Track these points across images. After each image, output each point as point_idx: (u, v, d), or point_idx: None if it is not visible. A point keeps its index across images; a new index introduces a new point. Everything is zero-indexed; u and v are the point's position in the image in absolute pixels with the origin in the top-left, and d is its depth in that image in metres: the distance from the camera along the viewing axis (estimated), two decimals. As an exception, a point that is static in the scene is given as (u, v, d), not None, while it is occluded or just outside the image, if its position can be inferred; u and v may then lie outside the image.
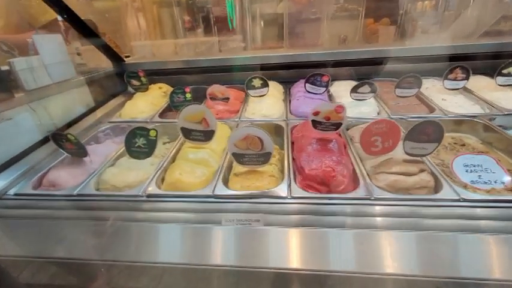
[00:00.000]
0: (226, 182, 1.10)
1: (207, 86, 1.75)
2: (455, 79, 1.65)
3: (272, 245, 0.82)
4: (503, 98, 1.54)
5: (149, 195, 1.03)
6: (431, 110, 1.54)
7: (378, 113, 1.56)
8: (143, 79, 1.93)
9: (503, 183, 0.98)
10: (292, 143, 1.33)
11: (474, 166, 1.06)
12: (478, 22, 2.03)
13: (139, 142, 1.19)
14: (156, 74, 2.15)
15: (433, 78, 1.91)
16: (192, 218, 0.94)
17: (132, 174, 1.17)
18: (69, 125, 1.64)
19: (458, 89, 1.67)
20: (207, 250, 0.82)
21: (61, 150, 1.26)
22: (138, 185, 1.09)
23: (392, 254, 0.76)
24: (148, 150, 1.19)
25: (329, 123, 1.15)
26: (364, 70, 2.02)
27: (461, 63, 1.64)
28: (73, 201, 1.06)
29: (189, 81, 2.18)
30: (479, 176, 1.02)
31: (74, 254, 0.88)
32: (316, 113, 1.13)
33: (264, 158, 1.07)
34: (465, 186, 0.98)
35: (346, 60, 2.00)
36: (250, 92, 1.74)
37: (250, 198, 0.98)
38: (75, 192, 1.07)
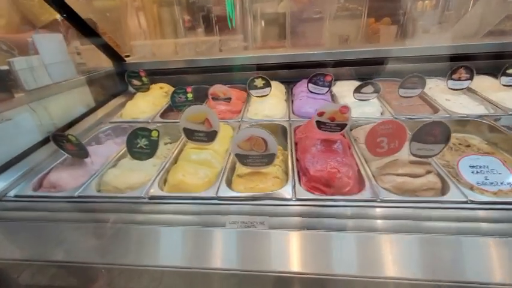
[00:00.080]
0: (229, 184, 1.09)
1: (208, 85, 1.74)
2: (459, 79, 1.64)
3: (278, 248, 0.80)
4: (507, 98, 1.53)
5: (152, 197, 1.02)
6: (436, 110, 1.52)
7: (381, 113, 1.55)
8: (144, 79, 1.92)
9: (510, 184, 0.96)
10: (296, 143, 1.31)
11: (480, 167, 1.05)
12: (481, 22, 2.01)
13: (141, 143, 1.18)
14: (156, 74, 2.14)
15: (436, 78, 1.90)
16: (195, 220, 0.92)
17: (134, 176, 1.15)
18: (70, 125, 1.63)
19: (462, 89, 1.65)
20: (212, 253, 0.80)
21: (62, 151, 1.24)
22: (140, 187, 1.08)
23: (401, 257, 0.75)
24: (150, 151, 1.18)
25: (333, 124, 1.14)
26: (367, 70, 2.00)
27: (465, 63, 1.63)
28: (74, 203, 1.05)
29: (190, 81, 2.17)
30: (486, 177, 1.01)
31: (75, 257, 0.86)
32: (320, 114, 1.12)
33: (268, 159, 1.05)
34: (471, 188, 0.97)
35: (349, 60, 1.99)
36: (253, 92, 1.72)
37: (255, 200, 0.97)
38: (76, 194, 1.06)
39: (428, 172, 1.01)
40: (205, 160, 1.21)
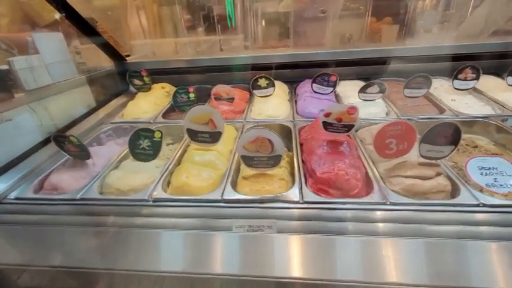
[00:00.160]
0: (234, 186, 1.06)
1: (210, 85, 1.72)
2: (465, 79, 1.62)
3: (288, 253, 0.78)
4: (514, 99, 1.52)
5: (155, 200, 1.00)
6: (442, 110, 1.51)
7: (387, 114, 1.53)
8: (146, 79, 1.89)
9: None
10: (301, 144, 1.29)
11: (489, 169, 1.03)
12: (487, 22, 1.99)
13: (143, 144, 1.15)
14: (157, 74, 2.12)
15: (441, 78, 1.88)
16: (201, 224, 0.90)
17: (137, 178, 1.13)
18: (70, 126, 1.60)
19: (468, 89, 1.64)
20: (223, 259, 0.78)
21: (63, 152, 1.22)
22: (143, 189, 1.06)
23: (414, 262, 0.73)
24: (153, 152, 1.16)
25: (340, 125, 1.12)
26: (371, 70, 1.99)
27: (469, 62, 1.61)
28: (76, 206, 1.02)
29: (191, 80, 2.15)
30: (495, 179, 0.99)
31: (77, 262, 0.84)
32: (327, 115, 1.10)
33: (274, 160, 1.03)
34: (481, 190, 0.95)
35: (352, 60, 1.97)
36: (256, 92, 1.70)
37: (262, 202, 0.94)
38: (78, 196, 1.04)
39: (438, 174, 0.99)
40: (210, 161, 1.19)
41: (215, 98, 1.68)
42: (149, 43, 3.23)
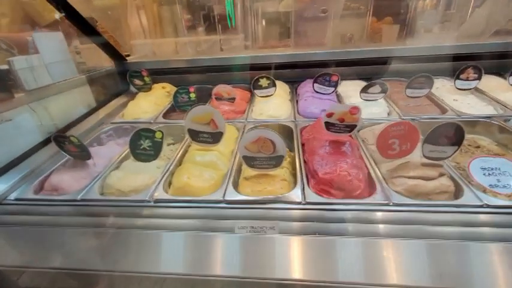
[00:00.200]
0: (235, 186, 1.06)
1: (211, 85, 1.71)
2: (467, 79, 1.61)
3: (291, 255, 0.78)
4: (516, 99, 1.51)
5: (157, 201, 0.99)
6: (443, 110, 1.50)
7: (389, 114, 1.52)
8: (146, 78, 1.88)
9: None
10: (303, 144, 1.29)
11: (492, 169, 1.02)
12: (488, 22, 1.99)
13: (144, 144, 1.15)
14: (158, 73, 2.11)
15: (442, 77, 1.87)
16: (202, 225, 0.89)
17: (138, 178, 1.12)
18: (71, 126, 1.59)
19: (470, 89, 1.63)
20: (222, 260, 0.78)
21: (63, 152, 1.21)
22: (144, 190, 1.05)
23: (419, 264, 0.72)
24: (154, 153, 1.15)
25: (343, 125, 1.11)
26: (372, 70, 1.98)
27: (471, 62, 1.60)
28: (77, 207, 1.02)
29: (192, 80, 2.14)
30: (498, 179, 0.98)
31: (78, 263, 0.84)
32: (329, 115, 1.09)
33: (276, 161, 1.02)
34: (484, 191, 0.95)
35: (353, 60, 1.96)
36: (257, 92, 1.70)
37: (264, 203, 0.94)
38: (78, 197, 1.03)
39: (441, 175, 0.99)
40: (211, 162, 1.18)
41: (216, 98, 1.68)
42: (149, 43, 3.22)
